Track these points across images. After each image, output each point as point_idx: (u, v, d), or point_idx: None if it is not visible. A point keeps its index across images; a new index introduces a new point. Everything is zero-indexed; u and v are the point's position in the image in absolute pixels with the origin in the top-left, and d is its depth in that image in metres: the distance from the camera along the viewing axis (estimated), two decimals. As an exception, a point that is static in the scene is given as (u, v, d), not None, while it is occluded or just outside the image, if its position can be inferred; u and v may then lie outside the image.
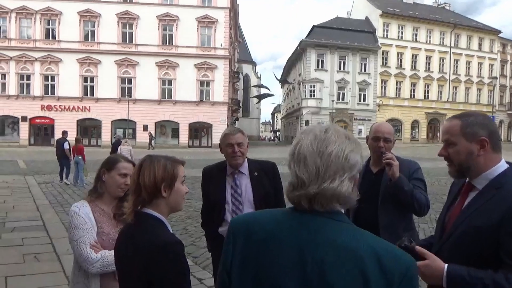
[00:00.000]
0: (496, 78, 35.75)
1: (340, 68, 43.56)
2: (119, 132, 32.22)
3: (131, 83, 35.71)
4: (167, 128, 37.14)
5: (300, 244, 0.95)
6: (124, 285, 1.44)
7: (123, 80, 35.64)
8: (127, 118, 33.57)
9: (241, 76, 56.61)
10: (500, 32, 50.63)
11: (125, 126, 34.16)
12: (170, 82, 36.22)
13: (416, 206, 2.34)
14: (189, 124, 36.43)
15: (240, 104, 53.02)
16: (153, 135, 35.30)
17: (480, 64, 49.10)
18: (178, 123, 36.36)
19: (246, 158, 2.61)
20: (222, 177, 2.60)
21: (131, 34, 35.47)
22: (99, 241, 1.97)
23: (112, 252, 1.77)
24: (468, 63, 48.51)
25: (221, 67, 36.50)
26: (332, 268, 0.90)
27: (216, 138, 36.39)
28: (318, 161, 0.96)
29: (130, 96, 34.79)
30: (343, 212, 1.00)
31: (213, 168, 2.71)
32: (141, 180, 1.43)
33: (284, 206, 2.51)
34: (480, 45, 49.19)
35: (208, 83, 36.73)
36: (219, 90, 36.30)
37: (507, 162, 1.47)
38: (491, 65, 49.68)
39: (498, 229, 1.31)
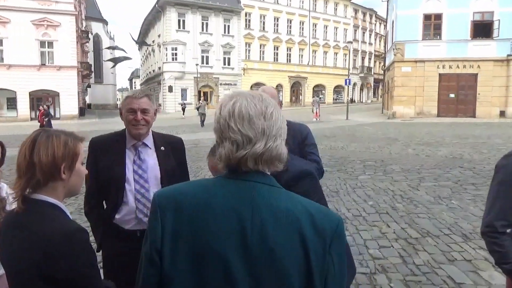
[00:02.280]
0: (351, 42, 42.44)
1: (203, 30, 45.93)
2: None
3: None
4: (1, 98, 34.68)
5: (237, 211, 1.02)
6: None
7: None
8: None
9: (90, 37, 54.45)
10: (352, -3, 59.31)
11: None
12: (0, 42, 33.64)
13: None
14: (29, 93, 34.67)
15: (92, 69, 51.45)
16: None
17: (336, 28, 57.13)
18: (15, 92, 34.29)
19: (151, 130, 2.46)
20: (120, 151, 2.34)
21: None
22: None
23: None
24: (325, 27, 56.02)
25: (65, 25, 35.30)
26: (273, 232, 1.00)
27: (65, 108, 35.61)
28: (263, 120, 1.06)
29: None
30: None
31: (105, 140, 2.42)
32: (36, 159, 1.33)
33: (186, 179, 2.57)
34: (335, 10, 57.04)
35: (50, 44, 35.23)
36: (66, 52, 35.22)
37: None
38: (345, 30, 58.22)
39: None
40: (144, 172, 2.36)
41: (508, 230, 1.78)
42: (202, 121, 25.05)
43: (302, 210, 1.04)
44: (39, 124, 21.99)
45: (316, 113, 30.15)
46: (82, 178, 1.47)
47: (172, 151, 2.50)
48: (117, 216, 2.32)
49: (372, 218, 5.95)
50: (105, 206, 2.44)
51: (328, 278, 1.04)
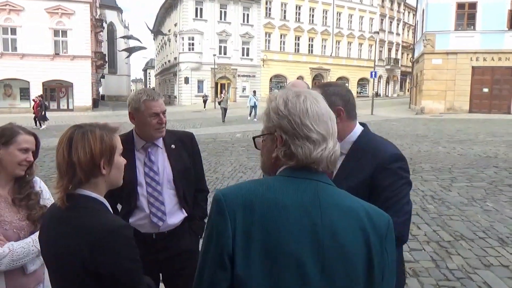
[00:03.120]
0: (377, 32, 42.00)
1: (221, 18, 46.00)
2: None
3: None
4: (14, 89, 35.50)
5: (307, 210, 1.07)
6: (60, 282, 1.41)
7: None
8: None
9: (104, 25, 55.17)
10: (380, -15, 58.49)
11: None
12: (13, 31, 34.40)
13: None
14: (42, 83, 35.35)
15: (106, 59, 52.14)
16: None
17: (361, 18, 56.47)
18: (28, 82, 35.02)
19: None
20: (130, 153, 2.33)
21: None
22: (1, 232, 1.91)
23: (21, 243, 1.89)
24: (350, 16, 55.39)
25: (80, 13, 35.86)
26: (342, 230, 1.07)
27: (78, 99, 36.24)
28: (329, 121, 1.15)
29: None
30: None
31: None
32: (75, 158, 1.38)
33: (205, 182, 2.73)
34: (361, -3, 56.41)
35: (64, 33, 35.84)
36: (80, 42, 35.77)
37: (360, 123, 1.92)
38: (371, 19, 57.50)
39: (369, 183, 1.74)
40: (155, 174, 2.40)
41: None
42: (224, 116, 24.32)
43: (362, 209, 1.13)
44: (33, 115, 22.49)
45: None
46: (122, 170, 1.52)
47: (184, 147, 2.53)
48: (131, 220, 2.37)
49: (401, 219, 5.92)
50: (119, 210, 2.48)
51: (385, 273, 1.14)
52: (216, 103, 32.51)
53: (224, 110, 24.70)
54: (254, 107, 25.37)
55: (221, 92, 33.22)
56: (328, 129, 1.14)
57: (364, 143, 1.85)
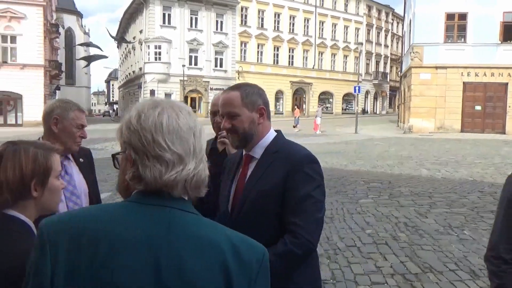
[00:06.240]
0: (361, 44, 43.03)
1: (191, 26, 46.33)
2: None
3: None
4: (-47, 100, 34.82)
5: (151, 241, 1.01)
6: None
7: None
8: None
9: (62, 31, 54.85)
10: (366, -8, 60.04)
11: None
12: (-46, 35, 33.93)
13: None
14: (-13, 95, 34.80)
15: (62, 68, 51.67)
16: None
17: (346, 27, 57.75)
18: (-30, 93, 34.44)
19: None
20: None
21: None
22: None
23: None
24: (334, 25, 56.64)
25: (31, 17, 35.68)
26: (193, 265, 1.01)
27: (28, 113, 35.66)
28: (192, 137, 1.08)
29: None
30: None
31: None
32: (2, 176, 1.39)
33: (99, 198, 2.81)
34: (346, 6, 57.72)
35: (13, 38, 35.55)
36: (31, 49, 35.43)
37: (275, 130, 2.06)
38: (357, 29, 58.83)
39: (283, 185, 1.86)
40: (74, 188, 2.48)
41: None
42: None
43: (226, 241, 1.07)
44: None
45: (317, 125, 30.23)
46: (58, 194, 1.54)
47: (88, 162, 2.69)
48: None
49: (368, 249, 5.93)
50: None
51: None
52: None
53: None
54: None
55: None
56: (188, 147, 1.07)
57: (277, 147, 1.98)
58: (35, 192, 1.43)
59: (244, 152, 2.07)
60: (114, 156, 1.21)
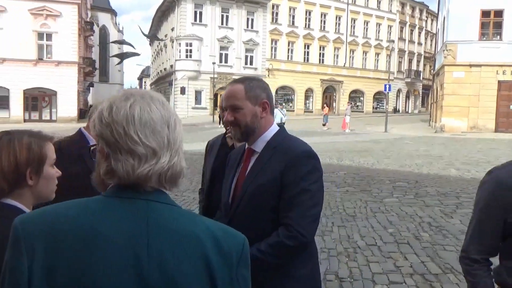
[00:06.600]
0: (392, 41, 42.27)
1: (222, 23, 46.50)
2: None
3: None
4: (-8, 96, 35.99)
5: (130, 237, 0.99)
6: None
7: None
8: None
9: (96, 29, 55.95)
10: (400, -11, 59.02)
11: None
12: (-6, 33, 35.03)
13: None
14: (23, 91, 35.82)
15: (96, 65, 52.76)
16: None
17: (378, 25, 56.91)
18: (8, 89, 35.53)
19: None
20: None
21: None
22: None
23: None
24: (366, 23, 55.86)
25: (67, 15, 36.54)
26: (174, 258, 1.00)
27: (62, 109, 36.58)
28: (167, 130, 1.06)
29: None
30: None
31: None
32: None
33: None
34: (378, 3, 56.85)
35: (49, 36, 36.45)
36: (66, 46, 36.30)
37: (278, 124, 2.10)
38: (390, 27, 57.89)
39: (280, 180, 1.90)
40: None
41: (480, 258, 1.83)
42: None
43: (206, 232, 1.06)
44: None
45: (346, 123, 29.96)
46: (52, 182, 1.56)
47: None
48: None
49: (388, 248, 5.87)
50: None
51: None
52: (216, 117, 32.45)
53: None
54: (280, 124, 25.17)
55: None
56: (162, 140, 1.05)
57: (277, 142, 2.00)
58: (30, 181, 1.47)
59: (246, 146, 2.10)
60: (89, 148, 1.20)
